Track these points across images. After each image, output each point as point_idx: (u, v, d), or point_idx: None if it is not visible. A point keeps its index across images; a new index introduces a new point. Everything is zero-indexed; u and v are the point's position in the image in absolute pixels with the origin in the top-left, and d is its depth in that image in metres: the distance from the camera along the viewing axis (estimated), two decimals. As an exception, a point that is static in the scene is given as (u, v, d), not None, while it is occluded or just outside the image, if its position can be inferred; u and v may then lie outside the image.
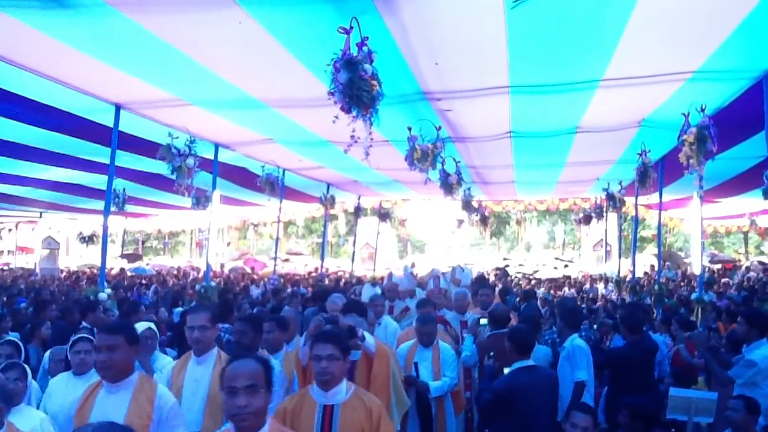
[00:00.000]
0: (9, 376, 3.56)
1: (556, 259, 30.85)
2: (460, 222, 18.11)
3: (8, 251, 30.01)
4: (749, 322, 5.11)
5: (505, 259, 31.43)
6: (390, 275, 8.22)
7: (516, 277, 21.35)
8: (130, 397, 3.10)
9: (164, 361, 4.58)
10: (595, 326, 7.97)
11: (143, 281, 18.53)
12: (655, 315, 9.33)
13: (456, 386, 5.17)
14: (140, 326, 4.43)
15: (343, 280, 16.62)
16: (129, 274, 21.55)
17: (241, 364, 2.52)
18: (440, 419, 5.02)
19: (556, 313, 6.76)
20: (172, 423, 3.13)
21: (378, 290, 7.53)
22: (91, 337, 4.32)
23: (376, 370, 4.07)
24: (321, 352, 3.12)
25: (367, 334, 4.08)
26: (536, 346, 5.19)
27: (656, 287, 10.70)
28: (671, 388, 5.17)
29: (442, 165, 8.43)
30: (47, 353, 5.17)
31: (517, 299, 10.49)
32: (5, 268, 25.76)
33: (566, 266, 27.63)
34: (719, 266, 24.45)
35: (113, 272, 21.27)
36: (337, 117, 4.50)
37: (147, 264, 29.98)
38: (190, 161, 7.76)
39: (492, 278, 16.01)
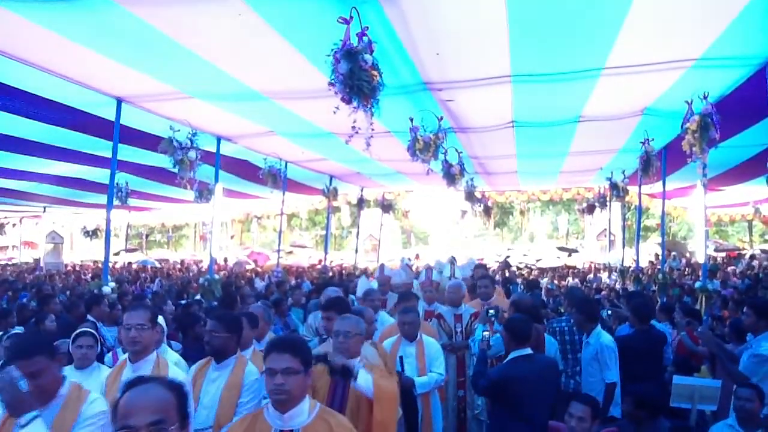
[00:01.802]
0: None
1: (560, 248, 30.70)
2: (464, 213, 18.08)
3: (13, 246, 30.16)
4: (758, 312, 4.87)
5: (509, 249, 31.34)
6: (382, 267, 8.03)
7: (519, 267, 21.32)
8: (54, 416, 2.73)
9: (170, 356, 4.23)
10: (608, 313, 7.97)
11: (147, 275, 18.62)
12: (658, 304, 9.32)
13: (443, 382, 4.96)
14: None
15: (346, 272, 16.64)
16: (136, 267, 21.65)
17: (141, 392, 1.80)
18: (426, 417, 4.81)
19: (570, 303, 6.66)
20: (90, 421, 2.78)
21: (375, 284, 7.22)
22: (93, 332, 4.34)
23: (378, 416, 3.38)
24: (275, 364, 2.48)
25: (362, 373, 3.39)
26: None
27: (660, 276, 10.69)
28: (675, 376, 5.16)
29: (445, 155, 8.42)
30: (52, 346, 5.17)
31: (521, 289, 10.48)
32: (10, 263, 25.91)
33: (570, 255, 27.52)
34: (723, 255, 24.39)
35: (117, 266, 21.36)
36: (337, 108, 4.50)
37: (148, 257, 30.20)
38: (192, 154, 7.76)
39: (493, 270, 16.00)
